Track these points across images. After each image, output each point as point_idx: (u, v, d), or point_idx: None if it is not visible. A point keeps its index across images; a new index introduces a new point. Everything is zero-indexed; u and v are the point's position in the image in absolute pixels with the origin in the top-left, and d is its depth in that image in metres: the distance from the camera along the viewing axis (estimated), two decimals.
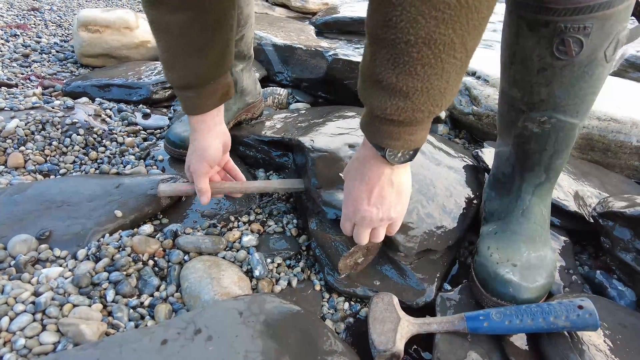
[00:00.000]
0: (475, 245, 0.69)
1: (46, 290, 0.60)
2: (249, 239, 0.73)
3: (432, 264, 0.69)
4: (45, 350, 0.53)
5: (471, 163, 0.90)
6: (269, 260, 0.71)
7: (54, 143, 0.96)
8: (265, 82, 1.44)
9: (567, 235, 0.78)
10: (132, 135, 1.07)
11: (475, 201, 0.79)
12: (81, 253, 0.67)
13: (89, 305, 0.59)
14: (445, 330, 0.57)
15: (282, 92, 1.31)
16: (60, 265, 0.66)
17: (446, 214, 0.74)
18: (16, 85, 1.27)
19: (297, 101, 1.36)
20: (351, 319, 0.64)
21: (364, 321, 0.63)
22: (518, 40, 0.58)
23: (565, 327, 0.53)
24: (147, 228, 0.74)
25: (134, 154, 0.99)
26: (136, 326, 0.58)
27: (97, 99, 1.21)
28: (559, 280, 0.68)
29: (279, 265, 0.71)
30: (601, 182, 0.90)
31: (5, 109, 1.04)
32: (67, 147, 0.97)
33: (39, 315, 0.56)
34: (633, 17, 0.58)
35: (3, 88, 1.22)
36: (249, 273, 0.68)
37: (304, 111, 1.11)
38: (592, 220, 0.75)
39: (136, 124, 1.11)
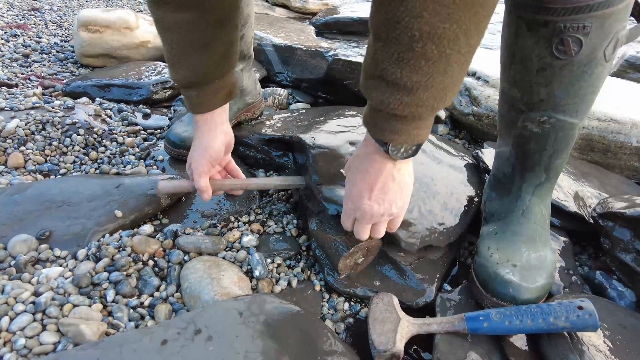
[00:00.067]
0: (475, 245, 0.69)
1: (46, 290, 0.60)
2: (249, 239, 0.73)
3: (432, 264, 0.69)
4: (46, 350, 0.53)
5: (472, 162, 0.91)
6: (269, 260, 0.71)
7: (54, 143, 0.96)
8: (265, 82, 1.44)
9: (567, 236, 0.78)
10: (132, 135, 1.07)
11: (476, 199, 0.79)
12: (81, 253, 0.67)
13: (89, 306, 0.59)
14: (445, 331, 0.57)
15: (282, 92, 1.31)
16: (61, 265, 0.66)
17: (447, 211, 0.74)
18: (16, 85, 1.27)
19: (297, 101, 1.36)
20: (351, 319, 0.64)
21: (364, 321, 0.63)
22: (517, 40, 0.58)
23: (565, 328, 0.54)
24: (147, 228, 0.74)
25: (134, 154, 0.99)
26: (136, 326, 0.58)
27: (97, 99, 1.21)
28: (558, 280, 0.68)
29: (279, 265, 0.71)
30: (601, 182, 0.90)
31: (6, 109, 1.04)
32: (67, 147, 0.97)
33: (39, 315, 0.56)
34: (632, 17, 0.58)
35: (3, 88, 1.22)
36: (249, 273, 0.68)
37: (304, 111, 1.11)
38: (592, 221, 0.75)
39: (136, 124, 1.11)
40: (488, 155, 0.89)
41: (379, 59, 0.43)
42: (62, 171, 0.91)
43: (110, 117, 1.13)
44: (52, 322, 0.56)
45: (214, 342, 0.51)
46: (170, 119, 1.18)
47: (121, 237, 0.71)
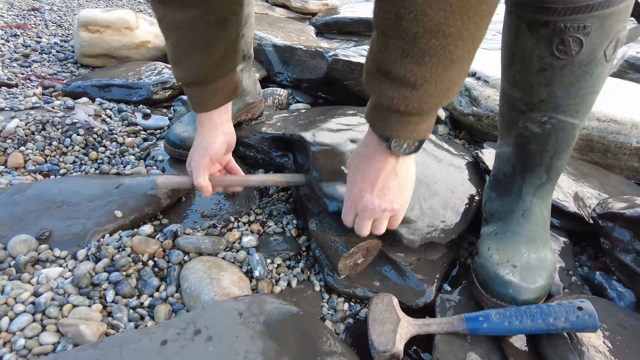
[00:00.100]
0: (476, 246, 0.69)
1: (46, 290, 0.60)
2: (249, 240, 0.73)
3: (432, 264, 0.69)
4: (45, 351, 0.53)
5: (472, 161, 0.91)
6: (268, 260, 0.71)
7: (54, 143, 0.96)
8: (265, 82, 1.44)
9: (566, 236, 0.78)
10: (132, 135, 1.07)
11: (476, 198, 0.79)
12: (81, 253, 0.67)
13: (89, 306, 0.59)
14: (445, 331, 0.57)
15: (282, 92, 1.31)
16: (60, 266, 0.66)
17: (448, 209, 0.74)
18: (16, 85, 1.27)
19: (297, 102, 1.36)
20: (351, 320, 0.64)
21: (363, 322, 0.63)
22: (518, 41, 0.58)
23: (564, 328, 0.54)
24: (147, 228, 0.74)
25: (134, 154, 0.99)
26: (136, 327, 0.58)
27: (97, 99, 1.21)
28: (558, 281, 0.68)
29: (278, 265, 0.71)
30: (601, 183, 0.90)
31: (6, 109, 1.04)
32: (67, 147, 0.97)
33: (38, 316, 0.56)
34: (633, 18, 0.58)
35: (3, 88, 1.22)
36: (249, 274, 0.68)
37: (304, 111, 1.11)
38: (591, 222, 0.75)
39: (136, 124, 1.12)
40: (488, 155, 0.89)
41: (383, 55, 0.43)
42: (62, 171, 0.91)
43: (110, 117, 1.13)
44: (52, 322, 0.56)
45: (214, 343, 0.51)
46: (170, 119, 1.18)
47: (121, 237, 0.71)
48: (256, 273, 0.67)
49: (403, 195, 0.56)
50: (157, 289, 0.65)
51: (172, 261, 0.69)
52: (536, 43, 0.56)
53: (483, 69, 1.19)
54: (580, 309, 0.54)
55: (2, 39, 1.62)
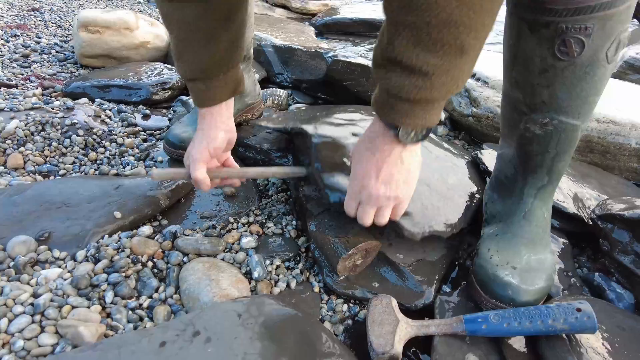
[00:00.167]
0: (476, 247, 0.69)
1: (45, 291, 0.60)
2: (248, 241, 0.73)
3: (431, 266, 0.69)
4: (44, 352, 0.53)
5: (472, 160, 0.91)
6: (268, 262, 0.71)
7: (54, 144, 0.97)
8: (265, 83, 1.44)
9: (566, 237, 0.78)
10: (132, 136, 1.07)
11: (477, 196, 0.80)
12: (80, 254, 0.67)
13: (88, 307, 0.59)
14: (444, 333, 0.57)
15: (282, 93, 1.31)
16: (60, 267, 0.66)
17: (450, 205, 0.74)
18: (16, 86, 1.27)
19: (297, 102, 1.36)
20: (350, 321, 0.64)
21: (362, 323, 0.63)
22: (519, 42, 0.58)
23: (563, 330, 0.54)
24: (147, 229, 0.74)
25: (133, 155, 0.99)
26: (135, 328, 0.58)
27: (96, 99, 1.21)
28: (558, 283, 0.68)
29: (278, 267, 0.71)
30: (600, 184, 0.90)
31: (5, 109, 1.04)
32: (66, 148, 0.97)
33: (37, 317, 0.56)
34: (635, 19, 0.58)
35: (3, 89, 1.22)
36: (248, 275, 0.68)
37: (304, 108, 1.11)
38: (590, 223, 0.75)
39: (136, 125, 1.12)
40: (487, 156, 0.89)
41: (394, 44, 0.43)
42: (61, 172, 0.91)
43: (109, 117, 1.13)
44: (51, 323, 0.56)
45: (213, 344, 0.51)
46: (169, 119, 1.18)
47: (120, 238, 0.71)
48: (255, 274, 0.67)
49: (408, 183, 0.56)
50: (156, 290, 0.65)
51: (171, 262, 0.69)
52: (537, 44, 0.56)
53: (483, 69, 1.19)
54: (579, 310, 0.54)
55: (1, 39, 1.62)
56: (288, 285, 0.68)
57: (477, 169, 0.88)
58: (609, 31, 0.52)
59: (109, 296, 0.62)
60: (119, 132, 1.05)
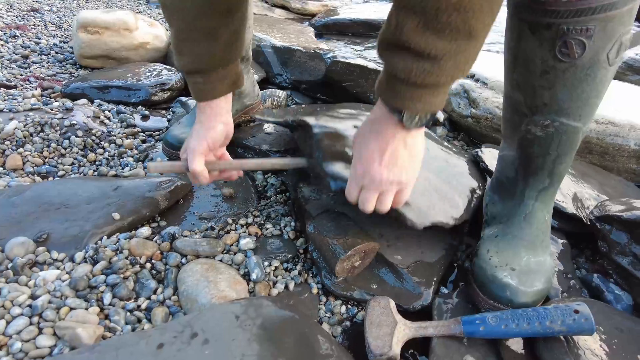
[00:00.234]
0: (475, 248, 0.69)
1: (43, 293, 0.60)
2: (247, 242, 0.73)
3: (429, 267, 0.69)
4: (42, 354, 0.53)
5: (472, 159, 0.91)
6: (266, 263, 0.71)
7: (53, 145, 0.97)
8: (264, 84, 1.44)
9: (565, 238, 0.78)
10: (131, 137, 1.07)
11: (478, 191, 0.80)
12: (79, 256, 0.67)
13: (86, 309, 0.59)
14: (442, 334, 0.57)
15: (281, 94, 1.31)
16: (58, 268, 0.66)
17: (451, 197, 0.74)
18: (15, 87, 1.27)
19: (296, 103, 1.36)
20: (348, 323, 0.64)
21: (360, 325, 0.63)
22: (520, 44, 0.58)
23: (561, 332, 0.54)
24: (145, 230, 0.74)
25: (132, 156, 0.99)
26: (133, 329, 0.58)
27: (96, 100, 1.21)
28: (557, 285, 0.68)
29: (276, 268, 0.71)
30: (600, 184, 0.90)
31: (4, 110, 1.04)
32: (65, 148, 0.97)
33: (35, 319, 0.56)
34: (638, 22, 0.58)
35: (2, 89, 1.22)
36: (246, 276, 0.68)
37: (304, 105, 1.11)
38: (589, 223, 0.75)
39: (135, 126, 1.12)
40: (488, 154, 0.89)
41: (402, 28, 0.43)
42: (60, 173, 0.91)
43: (108, 118, 1.13)
44: (49, 325, 0.56)
45: (211, 346, 0.51)
46: (168, 120, 1.18)
47: (119, 239, 0.71)
48: (253, 276, 0.67)
49: (412, 168, 0.55)
50: (155, 292, 0.65)
51: (169, 264, 0.69)
52: (539, 46, 0.56)
53: (482, 70, 1.19)
54: (576, 312, 0.54)
55: (1, 40, 1.62)
56: (286, 287, 0.68)
57: (477, 167, 0.88)
58: (610, 33, 0.52)
59: (107, 298, 0.62)
60: (118, 133, 1.05)
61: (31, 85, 1.31)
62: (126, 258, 0.68)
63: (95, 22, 1.45)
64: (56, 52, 1.61)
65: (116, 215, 0.74)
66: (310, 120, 0.81)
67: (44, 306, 0.58)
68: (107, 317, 0.60)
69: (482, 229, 0.73)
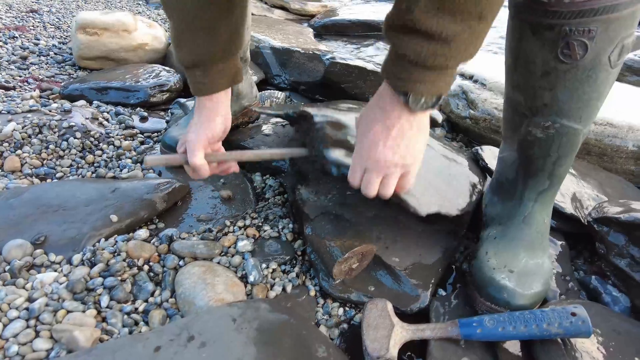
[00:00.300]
0: (473, 249, 0.69)
1: (40, 296, 0.60)
2: (244, 244, 0.73)
3: (427, 269, 0.69)
4: (39, 357, 0.52)
5: (472, 158, 0.91)
6: (264, 265, 0.71)
7: (51, 146, 0.97)
8: (263, 85, 1.44)
9: (563, 239, 0.78)
10: (129, 138, 1.07)
11: (478, 186, 0.80)
12: (76, 258, 0.67)
13: (83, 311, 0.59)
14: (439, 337, 0.57)
15: (280, 95, 1.32)
16: (55, 271, 0.66)
17: (455, 188, 0.74)
18: (14, 88, 1.27)
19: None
20: (345, 325, 0.64)
21: (358, 327, 0.63)
22: (521, 45, 0.58)
23: (558, 334, 0.54)
24: (143, 233, 0.74)
25: (130, 158, 0.99)
26: (130, 332, 0.58)
27: (94, 101, 1.21)
28: (555, 287, 0.68)
29: (274, 270, 0.71)
30: (600, 184, 0.90)
31: (3, 112, 1.04)
32: (64, 150, 0.97)
33: (32, 322, 0.56)
34: None
35: (1, 91, 1.22)
36: (244, 278, 0.68)
37: (304, 104, 1.10)
38: (587, 224, 0.75)
39: (133, 127, 1.12)
40: (488, 152, 0.89)
41: (413, 10, 0.43)
42: (58, 175, 0.91)
43: (107, 120, 1.13)
44: (46, 328, 0.56)
45: (208, 349, 0.51)
46: (167, 122, 1.18)
47: (116, 241, 0.71)
48: (251, 278, 0.67)
49: (417, 150, 0.54)
50: (152, 294, 0.65)
51: (167, 266, 0.69)
52: (540, 47, 0.56)
53: (480, 71, 1.19)
54: (573, 314, 0.54)
55: (0, 41, 1.62)
56: (284, 289, 0.68)
57: (477, 165, 0.88)
58: (612, 35, 0.52)
59: (105, 300, 0.62)
60: (117, 135, 1.05)
61: (30, 86, 1.31)
62: (124, 260, 0.68)
63: (94, 23, 1.45)
64: (55, 53, 1.61)
65: (114, 218, 0.74)
66: (312, 110, 0.81)
67: (41, 309, 0.58)
68: (104, 319, 0.60)
69: (481, 231, 0.73)
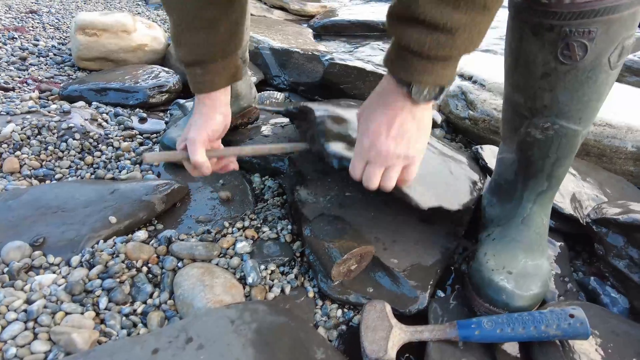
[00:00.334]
0: (472, 250, 0.69)
1: (39, 297, 0.60)
2: (243, 246, 0.73)
3: (426, 271, 0.69)
4: None
5: (472, 156, 0.91)
6: (262, 266, 0.71)
7: (50, 148, 0.97)
8: (262, 86, 1.44)
9: (562, 239, 0.77)
10: (128, 139, 1.07)
11: (478, 185, 0.80)
12: (75, 260, 0.67)
13: (82, 313, 0.59)
14: (437, 338, 0.57)
15: (279, 96, 1.31)
16: (54, 272, 0.66)
17: (456, 184, 0.74)
18: (13, 89, 1.27)
19: None
20: (344, 327, 0.64)
21: (356, 329, 0.63)
22: (521, 45, 0.58)
23: (556, 336, 0.54)
24: (142, 234, 0.74)
25: (129, 159, 0.99)
26: (128, 334, 0.58)
27: (93, 102, 1.21)
28: (554, 288, 0.68)
29: (272, 272, 0.71)
30: (600, 184, 0.89)
31: (2, 113, 1.04)
32: (63, 151, 0.97)
33: (31, 324, 0.56)
34: None
35: (0, 92, 1.22)
36: (243, 280, 0.68)
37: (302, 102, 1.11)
38: (585, 225, 0.75)
39: (132, 129, 1.12)
40: (488, 151, 0.89)
41: (417, 3, 0.43)
42: (57, 176, 0.91)
43: (106, 121, 1.13)
44: (44, 330, 0.56)
45: (205, 351, 0.51)
46: (166, 123, 1.18)
47: (115, 243, 0.71)
48: (249, 280, 0.67)
49: (419, 142, 0.54)
50: (151, 296, 0.65)
51: (165, 267, 0.69)
52: (540, 48, 0.56)
53: (480, 72, 1.19)
54: (572, 316, 0.53)
55: None
56: (282, 291, 0.68)
57: (477, 164, 0.88)
58: (612, 36, 0.52)
59: (103, 302, 0.62)
60: (116, 136, 1.05)
61: (29, 87, 1.31)
62: (122, 262, 0.68)
63: (94, 24, 1.45)
64: (54, 54, 1.61)
65: (113, 219, 0.74)
66: (313, 105, 0.81)
67: (39, 311, 0.58)
68: (102, 321, 0.60)
69: (480, 232, 0.73)
